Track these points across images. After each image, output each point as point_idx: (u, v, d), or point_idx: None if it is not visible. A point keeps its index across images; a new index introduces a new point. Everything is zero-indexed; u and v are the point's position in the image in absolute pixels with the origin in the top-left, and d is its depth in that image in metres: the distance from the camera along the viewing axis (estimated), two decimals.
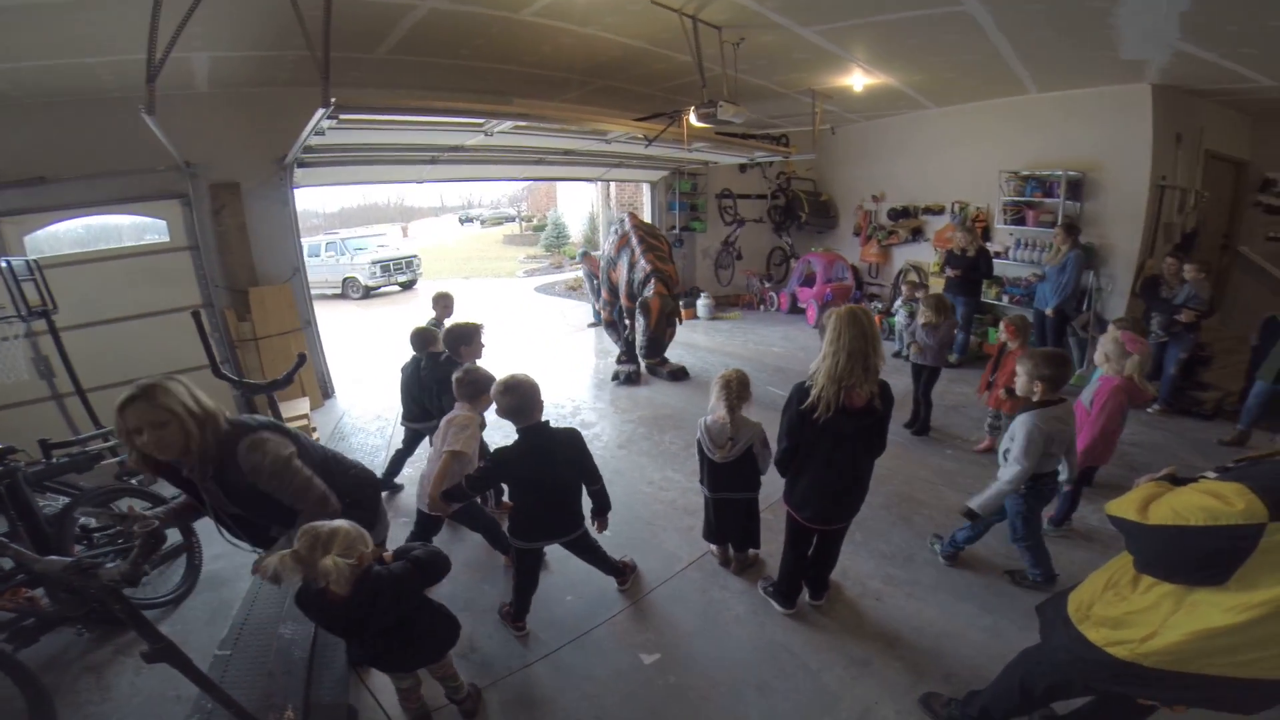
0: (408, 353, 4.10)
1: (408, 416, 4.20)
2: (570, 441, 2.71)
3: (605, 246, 6.91)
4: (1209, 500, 1.45)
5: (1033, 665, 2.04)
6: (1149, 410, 5.42)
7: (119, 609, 1.66)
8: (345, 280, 14.71)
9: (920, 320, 4.86)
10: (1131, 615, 1.65)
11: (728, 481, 3.08)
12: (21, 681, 2.26)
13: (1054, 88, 6.34)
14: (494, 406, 2.69)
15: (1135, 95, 5.83)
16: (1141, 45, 4.71)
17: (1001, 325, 4.54)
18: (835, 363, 2.38)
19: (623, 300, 6.63)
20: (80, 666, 2.80)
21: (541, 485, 2.68)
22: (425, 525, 3.17)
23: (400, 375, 4.14)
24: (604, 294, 7.16)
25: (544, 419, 2.66)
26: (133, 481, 3.39)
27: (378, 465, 4.78)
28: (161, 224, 5.53)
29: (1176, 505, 1.53)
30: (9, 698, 2.27)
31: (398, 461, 4.36)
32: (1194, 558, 1.50)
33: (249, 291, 5.66)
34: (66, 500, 3.04)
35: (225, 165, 5.50)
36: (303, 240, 6.39)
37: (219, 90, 5.34)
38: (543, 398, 2.67)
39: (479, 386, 2.94)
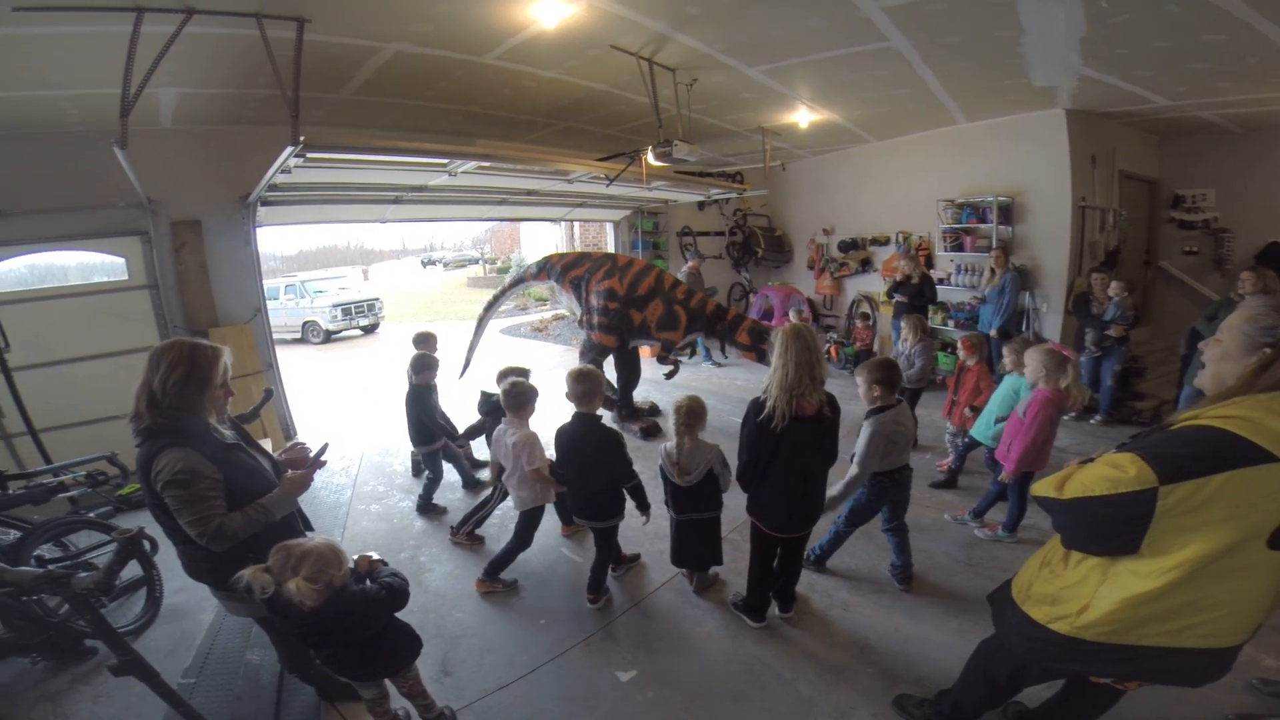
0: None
1: (420, 440, 4.58)
2: (608, 439, 3.18)
3: (608, 284, 5.97)
4: (1109, 470, 1.54)
5: (991, 654, 2.09)
6: (1091, 421, 5.74)
7: (88, 619, 1.65)
8: (305, 324, 14.42)
9: (902, 340, 5.23)
10: (1065, 590, 1.72)
11: (692, 503, 3.19)
12: None
13: (979, 116, 6.79)
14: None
15: (1051, 120, 6.28)
16: (1050, 72, 5.13)
17: (959, 342, 4.80)
18: (785, 374, 2.59)
19: (662, 336, 5.91)
20: (36, 695, 2.70)
21: (579, 462, 3.18)
22: (528, 520, 3.48)
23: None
24: (595, 337, 6.04)
25: (599, 414, 3.23)
26: (90, 515, 3.29)
27: (342, 504, 4.79)
28: (111, 264, 5.46)
29: (1084, 479, 1.61)
30: None
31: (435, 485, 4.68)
32: (1105, 527, 1.58)
33: (209, 332, 5.57)
34: (18, 534, 2.96)
35: (187, 203, 5.48)
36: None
37: (183, 127, 5.37)
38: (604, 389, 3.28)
39: (524, 399, 3.44)
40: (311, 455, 2.35)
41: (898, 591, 3.34)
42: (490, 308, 7.14)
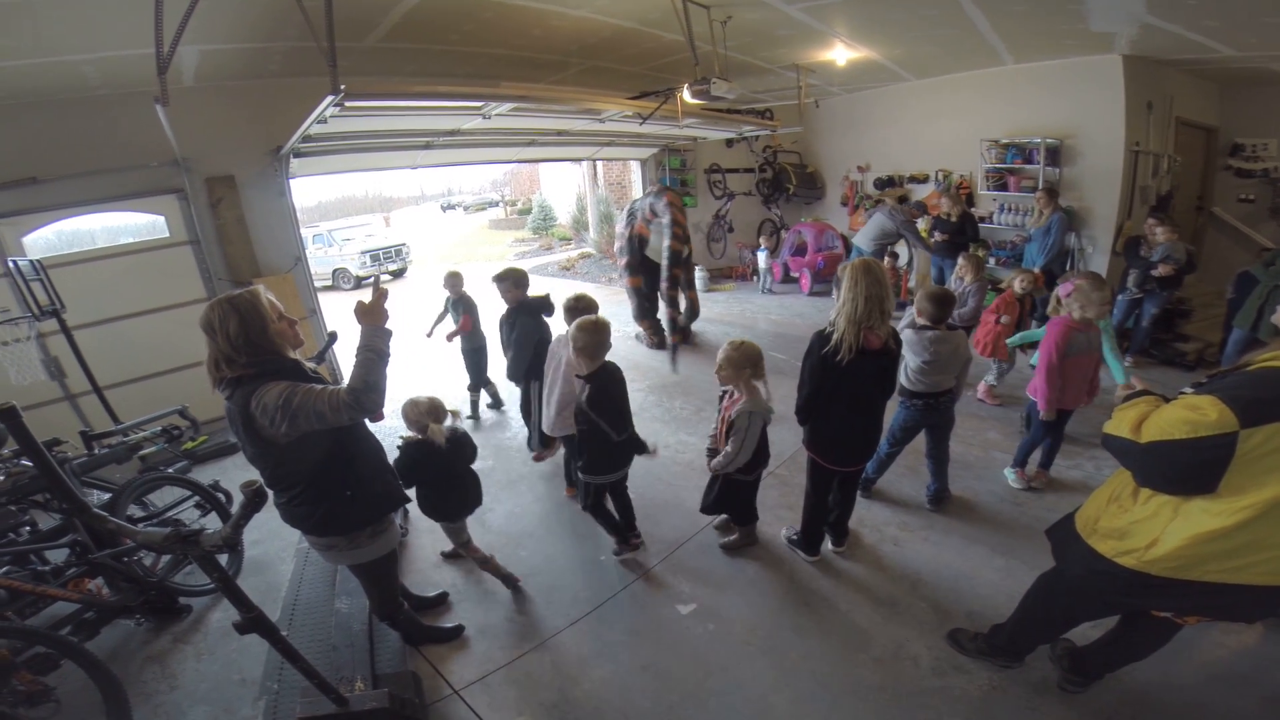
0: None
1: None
2: (606, 378, 2.95)
3: (648, 227, 6.65)
4: (1189, 413, 1.55)
5: (1052, 587, 2.14)
6: (1124, 363, 5.68)
7: (215, 577, 1.73)
8: (335, 271, 14.56)
9: (958, 276, 5.25)
10: (1134, 525, 1.74)
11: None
12: (95, 673, 2.29)
13: (1029, 59, 6.48)
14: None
15: (1107, 65, 6.00)
16: (1109, 18, 4.86)
17: (1015, 281, 4.91)
18: (854, 307, 2.58)
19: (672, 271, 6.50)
20: (143, 657, 2.84)
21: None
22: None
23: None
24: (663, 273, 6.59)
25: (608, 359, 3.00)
26: (168, 470, 3.43)
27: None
28: (138, 225, 5.56)
29: (1162, 421, 1.62)
30: (83, 689, 2.32)
31: None
32: (1184, 469, 1.60)
33: (253, 283, 5.65)
34: (101, 494, 3.09)
35: (219, 159, 5.47)
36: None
37: (206, 84, 5.29)
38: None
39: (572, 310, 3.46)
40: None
41: (944, 529, 3.42)
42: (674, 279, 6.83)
